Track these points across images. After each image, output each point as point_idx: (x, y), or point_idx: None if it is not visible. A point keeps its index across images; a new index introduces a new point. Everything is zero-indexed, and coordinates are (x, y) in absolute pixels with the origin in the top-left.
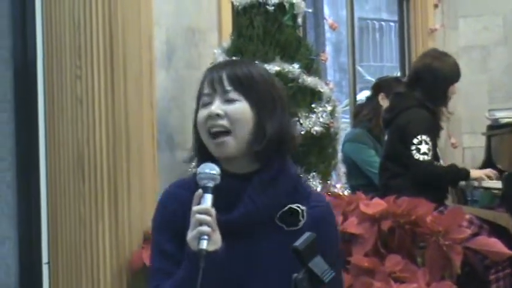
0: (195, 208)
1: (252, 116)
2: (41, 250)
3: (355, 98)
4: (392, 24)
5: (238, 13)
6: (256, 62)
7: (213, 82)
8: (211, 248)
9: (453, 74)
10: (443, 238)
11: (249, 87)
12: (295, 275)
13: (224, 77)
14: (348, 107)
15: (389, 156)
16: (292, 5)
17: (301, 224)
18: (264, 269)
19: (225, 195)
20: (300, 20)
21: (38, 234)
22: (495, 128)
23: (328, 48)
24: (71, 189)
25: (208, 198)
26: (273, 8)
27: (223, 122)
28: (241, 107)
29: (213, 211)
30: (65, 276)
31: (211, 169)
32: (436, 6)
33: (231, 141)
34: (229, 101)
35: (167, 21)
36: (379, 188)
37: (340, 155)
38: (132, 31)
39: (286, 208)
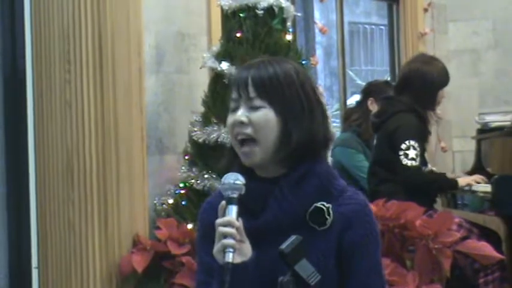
0: (218, 221)
1: (277, 123)
2: (30, 255)
3: (345, 102)
4: (382, 28)
5: (227, 17)
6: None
7: (238, 87)
8: (238, 260)
9: (442, 79)
10: (433, 242)
11: (274, 92)
12: (281, 277)
13: (249, 81)
14: (338, 111)
15: (378, 161)
16: (281, 9)
17: (328, 222)
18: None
19: (253, 200)
20: (289, 24)
21: (28, 238)
22: (485, 132)
23: (319, 53)
24: (60, 194)
25: (232, 210)
26: (262, 12)
27: (248, 130)
28: (266, 115)
29: (237, 223)
30: (55, 281)
31: (235, 179)
32: (425, 10)
33: (257, 150)
34: (254, 108)
35: (156, 25)
36: (368, 192)
37: (330, 160)
38: (121, 36)
39: (312, 207)
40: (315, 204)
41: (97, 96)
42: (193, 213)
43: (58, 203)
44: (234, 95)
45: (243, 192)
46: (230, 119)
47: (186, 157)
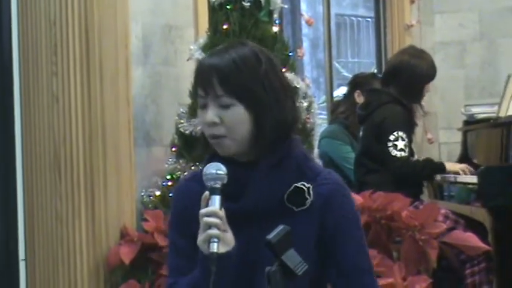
0: (202, 211)
1: (249, 118)
2: (17, 247)
3: (332, 94)
4: (369, 20)
5: (214, 9)
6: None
7: (204, 84)
8: (223, 250)
9: (430, 72)
10: (419, 233)
11: (240, 88)
12: (268, 268)
13: (214, 80)
14: (325, 103)
15: (365, 152)
16: (268, 1)
17: (308, 202)
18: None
19: (232, 184)
20: (276, 16)
21: (15, 231)
22: (471, 124)
23: (306, 45)
24: (47, 186)
25: (216, 200)
26: (249, 4)
27: (221, 131)
28: (236, 113)
29: (221, 213)
30: (42, 273)
31: (217, 169)
32: (412, 2)
33: (230, 143)
34: (224, 106)
35: (143, 17)
36: (355, 183)
37: (316, 151)
38: (108, 27)
39: (292, 188)
40: (295, 185)
41: (84, 88)
42: None
43: (45, 195)
44: (201, 92)
45: (225, 181)
46: (201, 117)
47: (173, 149)
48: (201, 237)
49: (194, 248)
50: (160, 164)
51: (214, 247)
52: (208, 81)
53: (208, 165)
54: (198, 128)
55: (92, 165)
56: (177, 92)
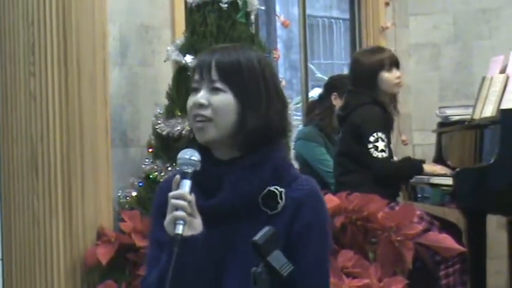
0: (170, 194)
1: (236, 107)
2: None
3: (307, 95)
4: (341, 21)
5: (191, 10)
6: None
7: (201, 69)
8: (188, 233)
9: (372, 64)
10: (395, 234)
11: (235, 77)
12: (254, 268)
13: (213, 64)
14: (299, 105)
15: (342, 152)
16: (245, 2)
17: (280, 206)
18: (243, 253)
19: (208, 180)
20: (252, 18)
21: None
22: (445, 126)
23: (279, 46)
24: (24, 186)
25: (186, 184)
26: (226, 5)
27: (207, 112)
28: (225, 99)
29: (190, 197)
30: (19, 273)
31: (191, 155)
32: (387, 4)
33: (211, 128)
34: (215, 90)
35: (120, 18)
36: (333, 184)
37: (292, 152)
38: (85, 28)
39: (265, 191)
40: (268, 188)
41: (62, 88)
42: None
43: (22, 195)
44: (197, 76)
45: (198, 168)
46: (190, 100)
47: (150, 150)
48: (167, 219)
49: None
50: (137, 165)
51: (180, 229)
52: (206, 66)
53: (183, 150)
54: (176, 129)
55: (69, 165)
56: (154, 93)
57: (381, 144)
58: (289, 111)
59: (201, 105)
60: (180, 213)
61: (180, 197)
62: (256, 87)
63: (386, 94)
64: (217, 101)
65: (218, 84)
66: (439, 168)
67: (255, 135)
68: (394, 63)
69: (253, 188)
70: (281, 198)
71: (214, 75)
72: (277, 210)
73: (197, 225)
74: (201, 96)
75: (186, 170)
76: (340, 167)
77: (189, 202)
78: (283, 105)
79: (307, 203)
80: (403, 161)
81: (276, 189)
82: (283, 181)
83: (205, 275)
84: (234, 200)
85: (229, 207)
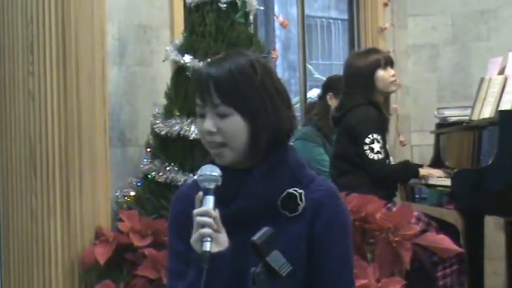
0: (196, 211)
1: (246, 127)
2: None
3: (305, 96)
4: (339, 22)
5: (190, 10)
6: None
7: (202, 94)
8: (215, 249)
9: (368, 64)
10: (393, 234)
11: (237, 97)
12: (253, 268)
13: (211, 88)
14: (298, 105)
15: (338, 154)
16: (244, 2)
17: (300, 208)
18: None
19: (226, 189)
20: (251, 18)
21: None
22: (443, 127)
23: (278, 46)
24: (22, 185)
25: (209, 200)
26: (225, 5)
27: (218, 138)
28: (234, 122)
29: (214, 213)
30: (17, 272)
31: (211, 171)
32: (385, 5)
33: (227, 153)
34: (221, 115)
35: (119, 17)
36: None
37: None
38: (84, 27)
39: (284, 194)
40: (288, 190)
41: (60, 87)
42: (155, 205)
43: (20, 194)
44: (199, 101)
45: (219, 183)
46: (199, 126)
47: (148, 149)
48: (194, 237)
49: (190, 251)
50: (135, 165)
51: (207, 246)
52: (205, 90)
53: (203, 166)
54: (174, 129)
55: (68, 164)
56: (153, 93)
57: (376, 146)
58: (293, 109)
59: (210, 133)
60: (206, 230)
61: (205, 214)
62: (260, 101)
63: (382, 93)
64: (226, 127)
65: (223, 109)
66: (435, 172)
67: (268, 144)
68: (389, 63)
69: (271, 193)
70: (301, 199)
71: (215, 99)
72: (298, 212)
73: (223, 240)
74: (209, 123)
75: (208, 186)
76: (336, 169)
77: (214, 218)
78: (288, 105)
79: (327, 203)
80: (401, 164)
81: (295, 190)
82: (300, 183)
83: (232, 286)
84: (252, 206)
85: (248, 215)
